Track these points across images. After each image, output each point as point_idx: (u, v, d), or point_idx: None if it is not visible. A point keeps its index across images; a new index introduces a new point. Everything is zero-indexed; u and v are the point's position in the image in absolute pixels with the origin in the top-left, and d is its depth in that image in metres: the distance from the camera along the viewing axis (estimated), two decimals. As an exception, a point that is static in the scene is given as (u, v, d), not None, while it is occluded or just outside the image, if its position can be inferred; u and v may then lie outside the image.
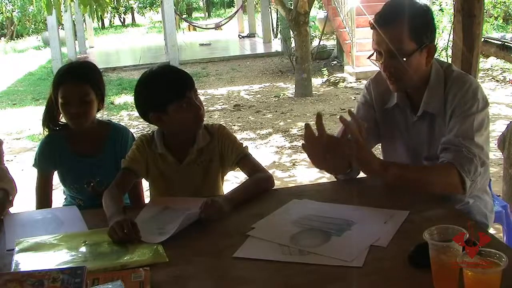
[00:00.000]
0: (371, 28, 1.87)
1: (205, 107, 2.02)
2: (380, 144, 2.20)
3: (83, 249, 1.60)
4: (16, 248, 1.62)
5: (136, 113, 8.79)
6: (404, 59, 1.81)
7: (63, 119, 2.25)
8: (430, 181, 1.80)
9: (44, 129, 2.29)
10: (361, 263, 1.42)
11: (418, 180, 1.81)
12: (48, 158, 2.25)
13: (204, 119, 2.03)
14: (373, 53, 1.91)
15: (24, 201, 2.34)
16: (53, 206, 2.32)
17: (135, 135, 2.32)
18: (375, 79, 2.08)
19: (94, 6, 5.08)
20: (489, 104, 1.90)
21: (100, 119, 2.35)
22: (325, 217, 1.71)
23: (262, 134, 6.25)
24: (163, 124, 2.01)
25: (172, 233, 1.62)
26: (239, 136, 6.04)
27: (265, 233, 1.62)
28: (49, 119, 2.26)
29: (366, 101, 2.09)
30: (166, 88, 1.94)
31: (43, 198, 2.28)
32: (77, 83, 2.12)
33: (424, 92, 1.91)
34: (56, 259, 1.55)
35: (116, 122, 2.42)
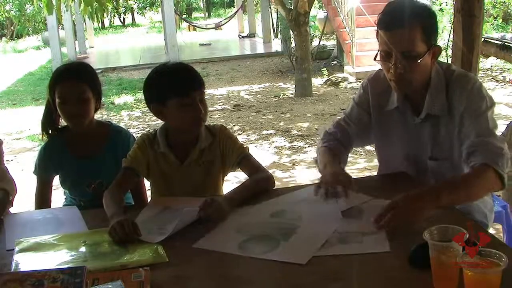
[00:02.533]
0: (380, 29, 1.86)
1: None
2: (375, 146, 2.20)
3: (83, 249, 1.60)
4: (16, 248, 1.62)
5: (136, 113, 8.72)
6: (419, 60, 1.81)
7: (62, 123, 2.25)
8: (476, 190, 1.78)
9: (43, 133, 2.28)
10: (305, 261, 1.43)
11: (467, 196, 1.77)
12: (48, 164, 2.25)
13: (205, 122, 2.02)
14: (377, 53, 1.90)
15: (24, 201, 2.34)
16: (53, 206, 2.32)
17: (135, 135, 2.32)
18: (373, 79, 2.08)
19: (95, 7, 5.08)
20: (495, 103, 1.91)
21: (100, 120, 2.35)
22: (268, 222, 1.71)
23: (262, 134, 6.25)
24: (162, 117, 2.01)
25: (171, 232, 1.63)
26: (239, 136, 6.04)
27: (212, 244, 1.60)
28: (48, 123, 2.26)
29: (361, 103, 2.09)
30: (171, 82, 1.95)
31: (42, 204, 2.27)
32: (73, 81, 2.12)
33: (424, 93, 1.91)
34: (56, 259, 1.55)
35: (116, 123, 2.41)
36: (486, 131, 1.81)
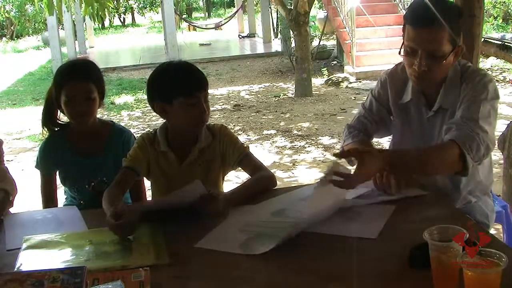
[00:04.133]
0: (408, 24, 1.84)
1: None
2: (391, 140, 2.20)
3: (87, 248, 1.61)
4: (24, 245, 1.63)
5: (136, 113, 8.67)
6: (444, 61, 1.81)
7: (63, 119, 2.25)
8: (435, 162, 1.77)
9: (43, 129, 2.29)
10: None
11: (418, 159, 1.77)
12: (49, 159, 2.26)
13: (207, 123, 2.03)
14: (401, 47, 1.89)
15: (24, 201, 2.34)
16: (58, 203, 2.33)
17: (135, 136, 2.32)
18: (392, 74, 2.09)
19: (96, 7, 5.07)
20: (499, 98, 1.91)
21: (103, 119, 2.35)
22: (269, 221, 1.72)
23: (263, 134, 6.25)
24: (165, 116, 2.01)
25: (176, 194, 1.68)
26: (239, 136, 6.03)
27: (214, 244, 1.59)
28: (48, 119, 2.26)
29: (380, 97, 2.10)
30: (178, 81, 1.95)
31: (49, 199, 2.29)
32: (81, 81, 2.13)
33: (439, 88, 1.93)
34: (59, 257, 1.56)
35: (118, 123, 2.42)
36: (472, 115, 1.80)
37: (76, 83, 2.13)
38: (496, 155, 4.08)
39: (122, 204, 1.73)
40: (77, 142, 2.24)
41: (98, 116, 2.29)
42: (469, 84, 1.88)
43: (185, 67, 2.00)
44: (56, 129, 2.28)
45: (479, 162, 1.79)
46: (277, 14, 14.97)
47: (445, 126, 1.85)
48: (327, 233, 1.57)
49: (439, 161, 1.77)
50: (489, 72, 8.61)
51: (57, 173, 2.30)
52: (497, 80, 8.27)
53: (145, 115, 7.45)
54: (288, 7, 8.40)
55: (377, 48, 9.07)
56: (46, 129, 2.29)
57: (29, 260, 1.54)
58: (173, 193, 1.79)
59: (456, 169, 1.77)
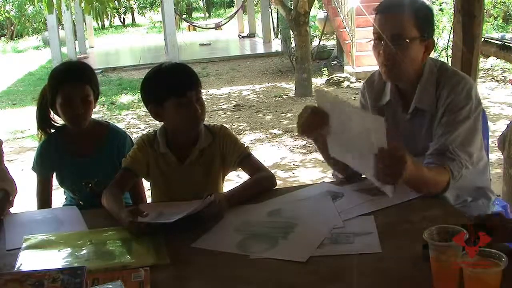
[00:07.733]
0: (375, 15, 1.92)
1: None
2: None
3: (87, 248, 1.61)
4: (24, 245, 1.63)
5: (136, 113, 8.64)
6: (407, 40, 1.83)
7: (59, 121, 2.25)
8: (435, 182, 1.78)
9: (39, 132, 2.28)
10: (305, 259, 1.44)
11: (428, 181, 1.75)
12: (46, 161, 2.25)
13: (203, 121, 2.03)
14: (371, 40, 1.95)
15: (24, 201, 2.34)
16: (53, 206, 2.32)
17: (135, 136, 2.32)
18: (368, 81, 2.13)
19: (98, 7, 5.07)
20: (482, 104, 1.91)
21: (98, 119, 2.35)
22: (266, 221, 1.72)
23: (263, 134, 6.25)
24: (160, 119, 2.01)
25: (183, 215, 1.65)
26: (239, 136, 6.04)
27: (210, 243, 1.60)
28: (43, 121, 2.25)
29: (362, 106, 2.12)
30: (167, 83, 1.95)
31: (44, 202, 2.28)
32: (78, 84, 2.13)
33: (415, 88, 1.92)
34: (60, 257, 1.56)
35: (116, 123, 2.42)
36: (461, 141, 1.81)
37: (73, 85, 2.12)
38: (496, 155, 4.08)
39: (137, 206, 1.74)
40: (73, 143, 2.24)
41: (98, 116, 2.28)
42: (452, 93, 1.85)
43: (175, 69, 2.01)
44: (52, 131, 2.27)
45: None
46: (277, 14, 14.96)
47: (434, 147, 1.83)
48: (334, 254, 1.50)
49: (438, 183, 1.78)
50: (489, 72, 8.65)
51: (54, 175, 2.29)
52: (497, 81, 8.27)
53: (146, 115, 7.43)
54: (288, 7, 8.40)
55: (377, 48, 9.05)
56: (42, 132, 2.28)
57: (29, 260, 1.54)
58: (178, 205, 1.79)
59: (439, 192, 1.80)
